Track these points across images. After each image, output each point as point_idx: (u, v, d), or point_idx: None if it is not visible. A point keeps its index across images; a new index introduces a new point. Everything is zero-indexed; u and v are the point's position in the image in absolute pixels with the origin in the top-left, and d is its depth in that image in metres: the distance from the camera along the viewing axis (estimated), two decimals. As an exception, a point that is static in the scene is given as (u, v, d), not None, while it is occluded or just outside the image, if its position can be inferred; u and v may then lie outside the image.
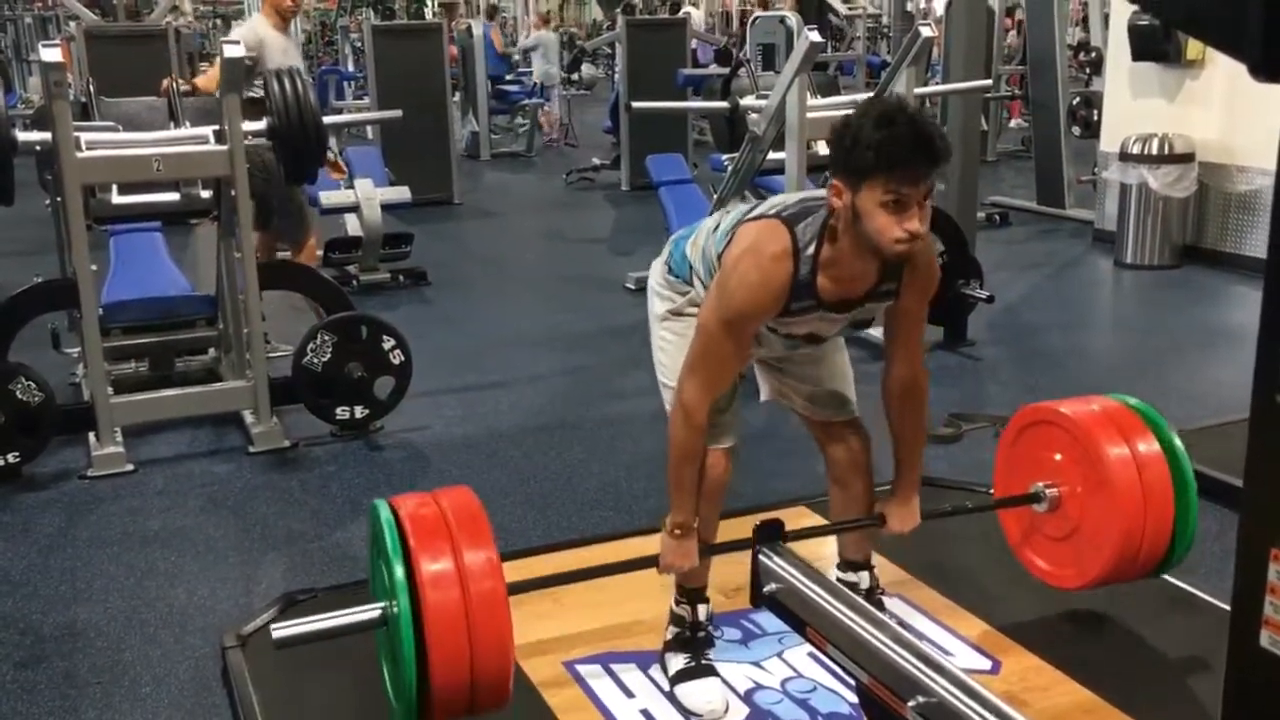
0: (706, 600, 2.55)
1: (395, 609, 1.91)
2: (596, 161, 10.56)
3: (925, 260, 2.21)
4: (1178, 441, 2.40)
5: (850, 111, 2.03)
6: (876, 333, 4.65)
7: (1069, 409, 2.49)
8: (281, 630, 2.01)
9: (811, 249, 2.10)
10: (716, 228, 2.32)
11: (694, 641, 2.53)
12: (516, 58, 15.31)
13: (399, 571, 1.89)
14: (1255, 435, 1.13)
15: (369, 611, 2.01)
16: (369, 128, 9.92)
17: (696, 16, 13.73)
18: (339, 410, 4.16)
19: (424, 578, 1.88)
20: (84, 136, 3.81)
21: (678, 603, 2.56)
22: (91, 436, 4.01)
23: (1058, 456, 2.49)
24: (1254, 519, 1.15)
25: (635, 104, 6.36)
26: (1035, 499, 2.52)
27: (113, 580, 3.21)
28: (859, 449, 2.50)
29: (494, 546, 1.95)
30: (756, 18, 12.59)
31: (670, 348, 2.42)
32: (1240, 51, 1.04)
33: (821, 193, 2.15)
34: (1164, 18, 1.08)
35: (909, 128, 1.93)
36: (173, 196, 4.26)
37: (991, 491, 3.43)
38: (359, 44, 12.74)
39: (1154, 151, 6.55)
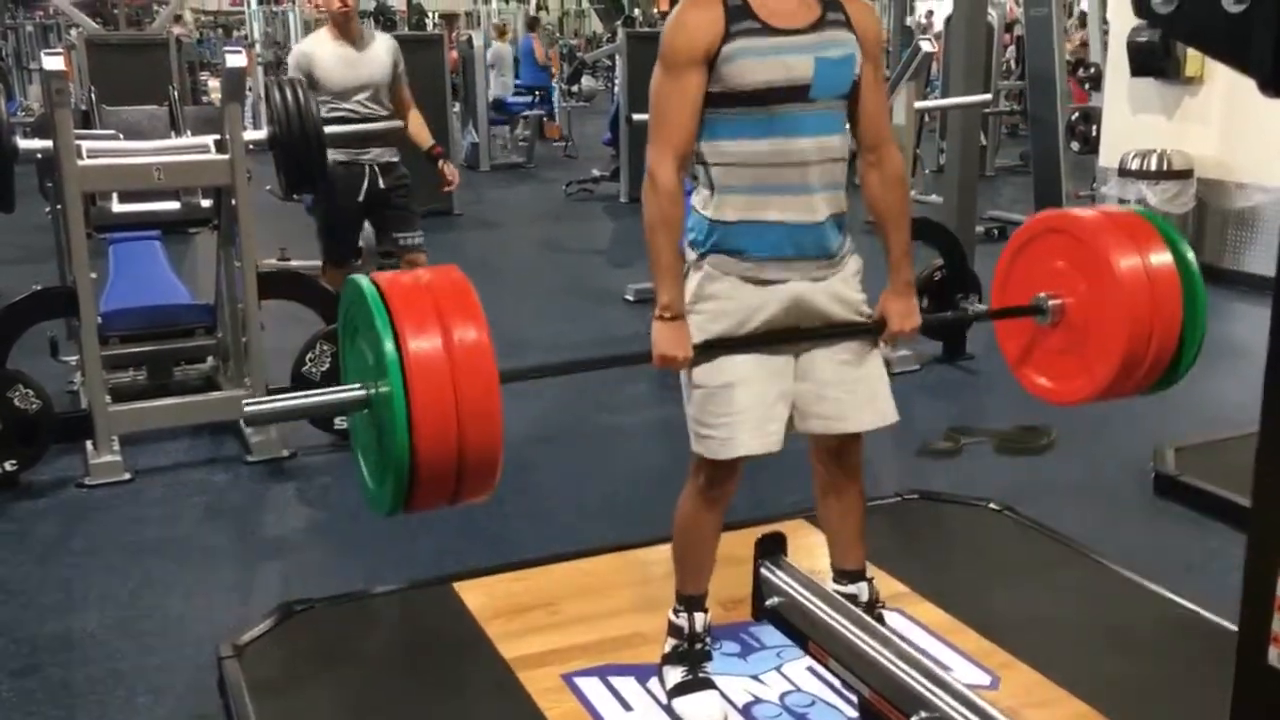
0: (705, 610, 2.53)
1: (383, 388, 1.77)
2: (596, 173, 10.57)
3: (862, 2, 2.26)
4: (1188, 251, 2.28)
5: None
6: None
7: (1076, 213, 2.39)
8: (254, 406, 1.88)
9: None
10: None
11: (692, 654, 2.51)
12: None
13: (389, 347, 1.74)
14: (1263, 454, 1.12)
15: (351, 391, 1.87)
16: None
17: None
18: (338, 419, 4.14)
19: (411, 355, 1.74)
20: (85, 145, 3.82)
21: (676, 612, 2.54)
22: (89, 444, 4.00)
23: (1061, 264, 2.36)
24: (1262, 536, 1.14)
25: (636, 116, 6.36)
26: (1038, 310, 2.37)
27: (109, 589, 3.19)
28: (854, 454, 2.45)
29: (483, 323, 1.82)
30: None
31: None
32: (1249, 68, 1.04)
33: None
34: (1173, 34, 1.09)
35: None
36: (173, 205, 4.27)
37: (992, 505, 3.45)
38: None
39: (1153, 167, 6.57)
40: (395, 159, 4.75)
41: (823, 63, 2.17)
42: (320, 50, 4.62)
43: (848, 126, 2.31)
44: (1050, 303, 2.35)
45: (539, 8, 16.58)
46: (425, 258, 4.81)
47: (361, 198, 4.65)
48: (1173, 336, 2.24)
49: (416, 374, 1.71)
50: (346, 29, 4.60)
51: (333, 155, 4.37)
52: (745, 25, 2.13)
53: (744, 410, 2.25)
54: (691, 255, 2.31)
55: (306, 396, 1.93)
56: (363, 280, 1.84)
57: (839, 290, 2.31)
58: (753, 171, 2.21)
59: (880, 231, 2.37)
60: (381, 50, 4.66)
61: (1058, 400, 2.46)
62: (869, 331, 2.34)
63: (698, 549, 2.46)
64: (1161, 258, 2.24)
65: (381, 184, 4.68)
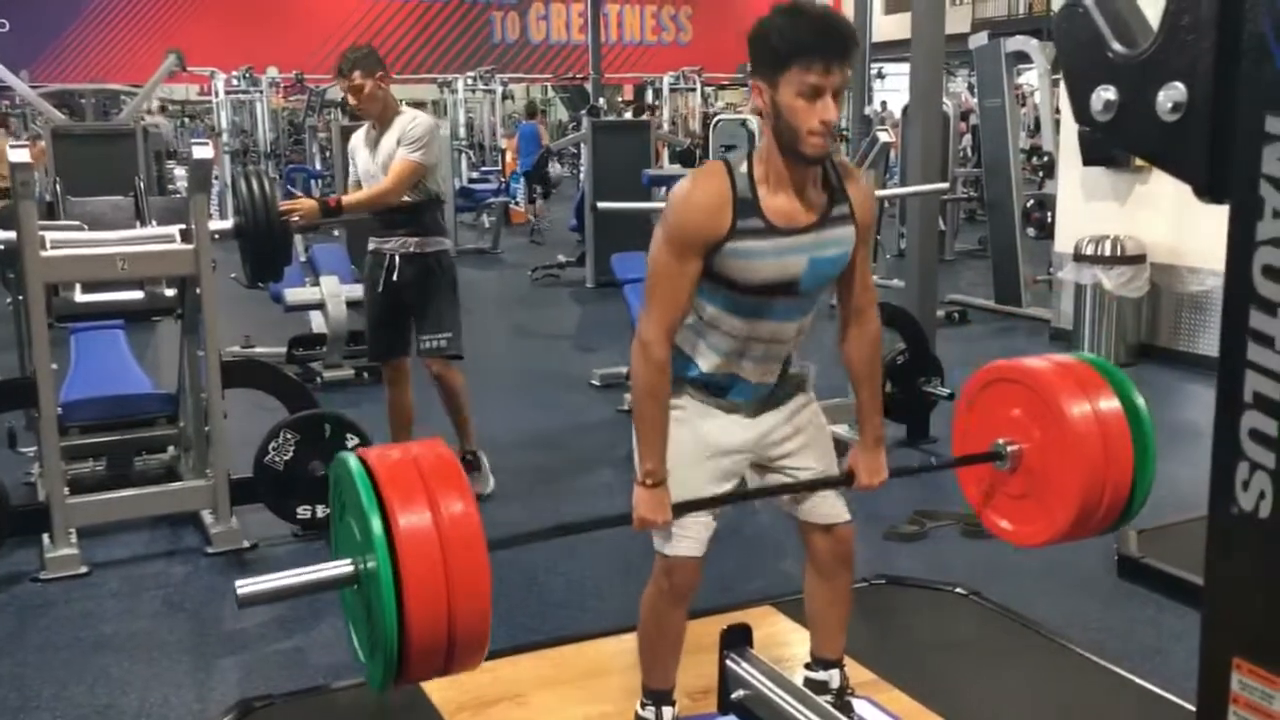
0: (673, 703, 2.52)
1: (371, 564, 1.78)
2: (562, 259, 10.65)
3: (863, 185, 2.31)
4: (1135, 393, 2.36)
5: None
6: (843, 430, 4.69)
7: (1028, 365, 2.46)
8: (246, 588, 1.87)
9: (744, 167, 2.16)
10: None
11: (660, 748, 2.49)
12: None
13: (376, 525, 1.76)
14: (1212, 547, 1.15)
15: (340, 568, 1.88)
16: (334, 225, 9.96)
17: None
18: (300, 509, 4.10)
19: (401, 530, 1.76)
20: (49, 235, 3.81)
21: (643, 705, 2.52)
22: (45, 537, 3.93)
23: (1016, 412, 2.43)
24: (1215, 630, 1.16)
25: (601, 204, 6.46)
26: (996, 456, 2.44)
27: (63, 687, 3.12)
28: (845, 539, 2.48)
29: (471, 497, 1.83)
30: (719, 120, 12.88)
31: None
32: (1185, 175, 1.09)
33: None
34: (1112, 142, 1.14)
35: (816, 15, 2.04)
36: (137, 295, 4.26)
37: (959, 589, 3.46)
38: (327, 143, 12.89)
39: (1107, 253, 6.71)
40: (421, 250, 4.39)
41: (816, 260, 2.23)
42: (355, 139, 4.57)
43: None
44: (1009, 449, 2.43)
45: (504, 97, 16.83)
46: (447, 369, 4.55)
47: (380, 289, 4.42)
48: (1125, 484, 2.34)
49: (405, 554, 1.74)
50: (369, 116, 4.43)
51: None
52: (751, 224, 2.15)
53: (702, 516, 2.34)
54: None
55: (297, 575, 1.91)
56: (350, 457, 1.88)
57: (797, 402, 2.44)
58: (722, 336, 2.29)
59: (854, 386, 2.46)
60: (394, 132, 4.34)
61: (1019, 543, 2.54)
62: (838, 484, 2.44)
63: (664, 646, 2.46)
64: (1110, 405, 2.34)
65: (396, 277, 4.37)
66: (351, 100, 4.47)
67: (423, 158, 4.29)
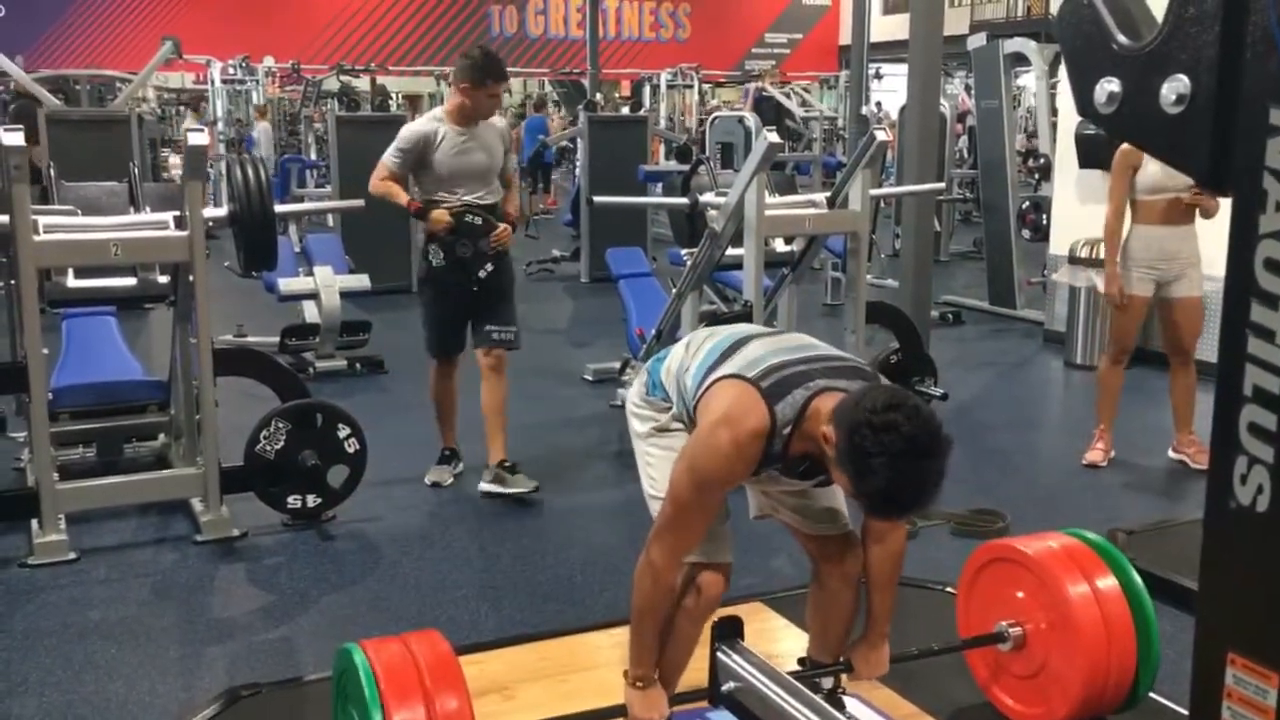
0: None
1: None
2: (557, 253, 10.64)
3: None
4: (1136, 576, 2.43)
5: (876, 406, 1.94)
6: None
7: (1027, 547, 2.52)
8: None
9: (788, 430, 2.10)
10: (687, 364, 2.34)
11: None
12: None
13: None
14: (1209, 541, 1.14)
15: None
16: (329, 215, 9.95)
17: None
18: (291, 499, 4.09)
19: None
20: (42, 220, 3.79)
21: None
22: (34, 523, 3.91)
23: (1020, 594, 2.50)
24: (1210, 624, 1.16)
25: (597, 198, 6.44)
26: (1000, 639, 2.52)
27: (49, 673, 3.10)
28: (851, 562, 2.47)
29: (467, 695, 1.94)
30: (716, 118, 12.87)
31: (658, 463, 2.40)
32: (1188, 167, 1.08)
33: (799, 358, 2.18)
34: (1114, 134, 1.14)
35: (917, 480, 1.94)
36: (130, 281, 4.24)
37: (949, 589, 3.45)
38: (322, 133, 12.85)
39: (1101, 256, 6.70)
40: (506, 248, 4.55)
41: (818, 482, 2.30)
42: (431, 129, 4.43)
43: None
44: (1011, 631, 2.50)
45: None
46: (503, 362, 4.62)
47: (470, 285, 4.48)
48: (1129, 670, 2.40)
49: None
50: (468, 119, 4.42)
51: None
52: (770, 471, 2.21)
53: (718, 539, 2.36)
54: (663, 404, 2.43)
55: None
56: (355, 652, 1.98)
57: None
58: None
59: (867, 589, 2.46)
60: (492, 133, 4.50)
61: None
62: (838, 672, 2.51)
63: (679, 656, 2.45)
64: (1109, 585, 2.39)
65: (486, 274, 4.47)
66: (483, 107, 4.42)
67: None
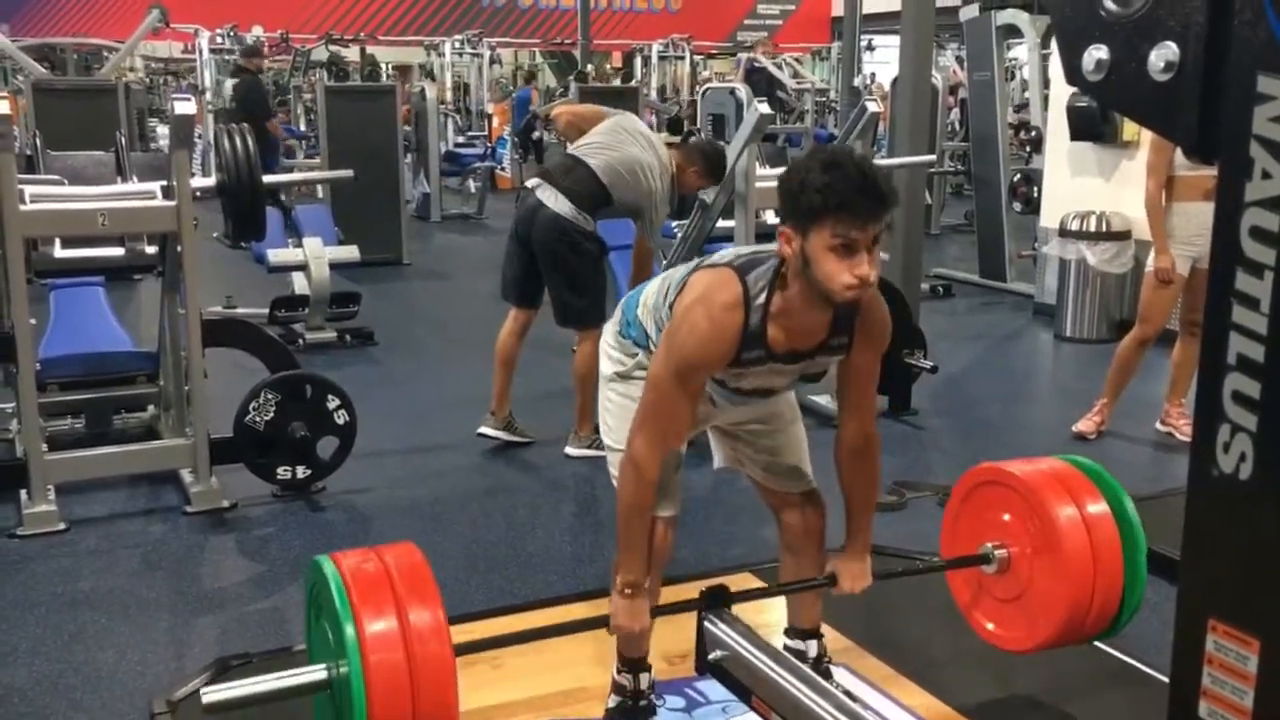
0: (648, 669, 2.53)
1: (343, 671, 1.81)
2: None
3: (878, 315, 2.20)
4: (1128, 503, 2.38)
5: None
6: (823, 400, 4.69)
7: (1018, 469, 2.48)
8: (212, 694, 1.87)
9: (762, 298, 2.10)
10: (666, 285, 2.33)
11: (636, 711, 2.50)
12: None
13: (349, 631, 1.80)
14: (1192, 508, 1.15)
15: (311, 674, 1.90)
16: (319, 186, 9.90)
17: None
18: (280, 470, 4.09)
19: (369, 639, 1.80)
20: (28, 190, 3.77)
21: (619, 671, 2.53)
22: (23, 494, 3.90)
23: (1006, 517, 2.46)
24: (1192, 591, 1.16)
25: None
26: (984, 560, 2.47)
27: (39, 643, 3.11)
28: (814, 517, 2.50)
29: (440, 606, 1.89)
30: (707, 89, 12.81)
31: (616, 409, 2.41)
32: (1175, 134, 1.08)
33: (773, 246, 2.15)
34: (1103, 102, 1.13)
35: (855, 170, 1.95)
36: (117, 251, 4.22)
37: (937, 556, 3.47)
38: (311, 104, 12.77)
39: (1092, 229, 6.72)
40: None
41: (802, 376, 2.31)
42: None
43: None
44: (997, 553, 2.45)
45: (492, 62, 16.68)
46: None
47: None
48: (1115, 596, 2.36)
49: (374, 663, 1.77)
50: None
51: None
52: (753, 354, 2.16)
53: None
54: (633, 349, 2.42)
55: (267, 681, 1.91)
56: (326, 563, 1.90)
57: None
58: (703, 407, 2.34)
59: (846, 498, 2.44)
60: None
61: (1003, 647, 2.56)
62: (821, 586, 2.47)
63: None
64: (1101, 514, 2.35)
65: None
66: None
67: None
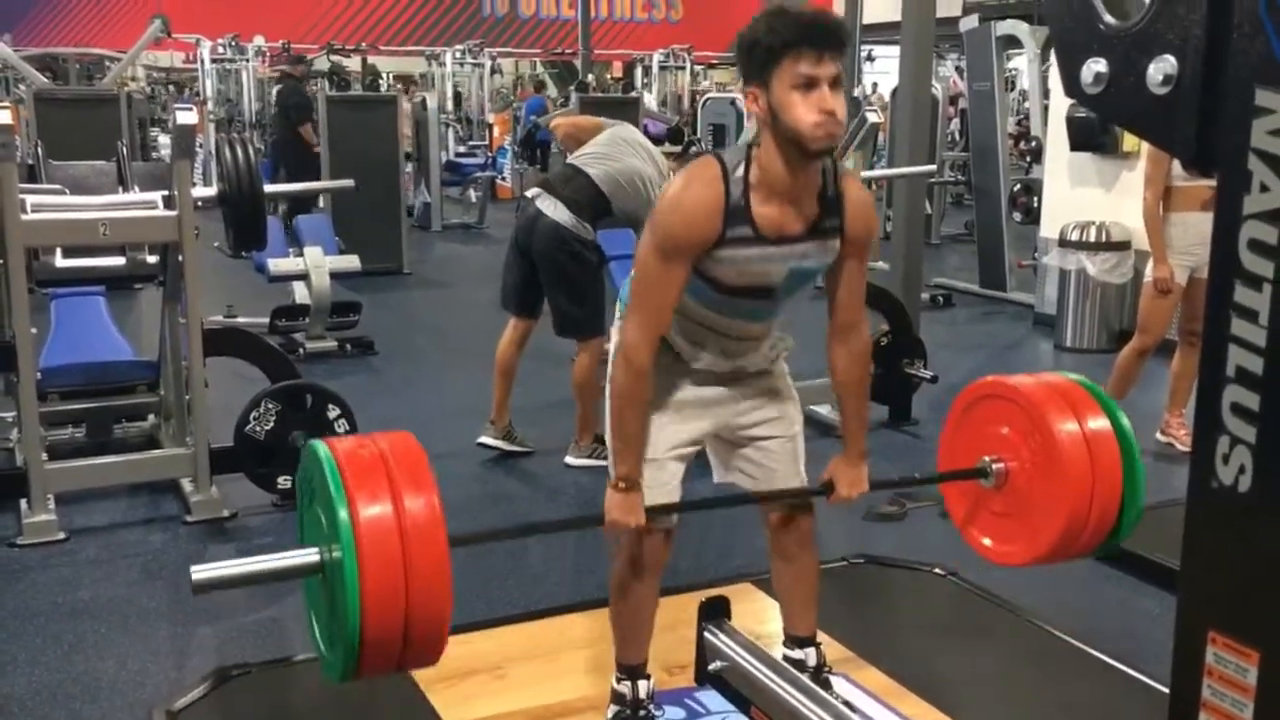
0: (648, 677, 2.52)
1: (335, 555, 1.77)
2: (547, 235, 10.60)
3: (862, 197, 2.25)
4: (1124, 419, 2.36)
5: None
6: (824, 409, 4.70)
7: (1018, 382, 2.44)
8: (202, 573, 1.83)
9: (740, 171, 2.13)
10: None
11: (636, 720, 2.50)
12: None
13: (343, 514, 1.75)
14: (1191, 520, 1.15)
15: (303, 556, 1.85)
16: (320, 196, 9.92)
17: (649, 99, 13.92)
18: (281, 479, 4.09)
19: (362, 524, 1.74)
20: (30, 199, 3.77)
21: (619, 680, 2.53)
22: (23, 503, 3.90)
23: (1005, 431, 2.41)
24: (1191, 602, 1.16)
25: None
26: (982, 474, 2.43)
27: (39, 653, 3.11)
28: (805, 522, 2.50)
29: (435, 491, 1.83)
30: (708, 99, 12.83)
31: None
32: (1173, 147, 1.09)
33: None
34: (1101, 114, 1.14)
35: (801, 9, 2.02)
36: (118, 260, 4.22)
37: (937, 570, 3.47)
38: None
39: (1092, 239, 6.72)
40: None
41: (797, 269, 2.24)
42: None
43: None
44: (994, 466, 2.42)
45: (493, 71, 16.71)
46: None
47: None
48: (1113, 507, 2.32)
49: (368, 548, 1.73)
50: None
51: None
52: (740, 232, 2.14)
53: (662, 481, 2.33)
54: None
55: (260, 562, 1.88)
56: (319, 446, 1.86)
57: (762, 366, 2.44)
58: (695, 326, 2.31)
59: (839, 400, 2.46)
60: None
61: (1000, 562, 2.52)
62: (817, 494, 2.44)
63: (634, 618, 2.47)
64: (1101, 427, 2.32)
65: None
66: None
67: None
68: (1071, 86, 1.18)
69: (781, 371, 2.48)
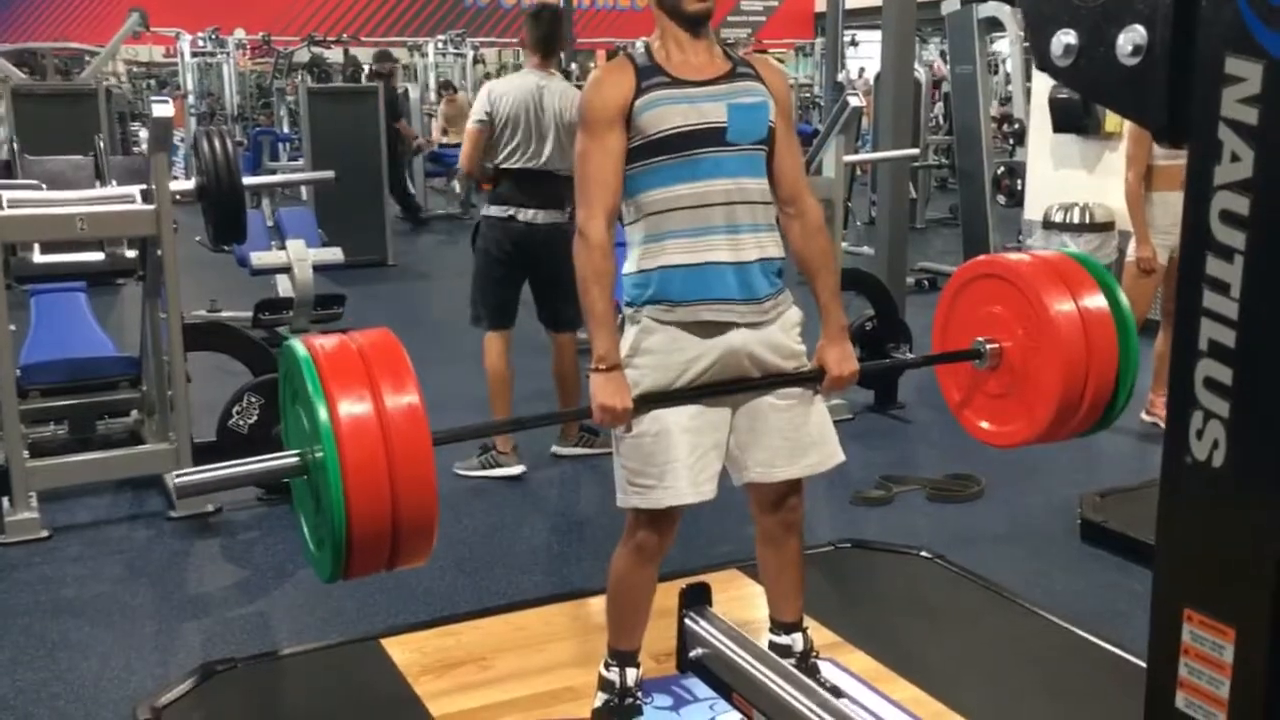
0: (637, 665, 2.52)
1: (318, 455, 1.75)
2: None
3: (772, 65, 2.46)
4: (1121, 294, 2.32)
5: None
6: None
7: (1010, 259, 2.43)
8: (185, 477, 1.84)
9: (641, 48, 2.32)
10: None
11: (622, 709, 2.49)
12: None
13: (323, 414, 1.72)
14: (1165, 497, 1.14)
15: (286, 458, 1.85)
16: (303, 188, 9.87)
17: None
18: (271, 475, 4.06)
19: (344, 423, 1.72)
20: (5, 195, 3.74)
21: (607, 666, 2.52)
22: (5, 501, 3.88)
23: (998, 309, 2.38)
24: (1167, 580, 1.16)
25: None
26: (975, 355, 2.39)
27: (22, 651, 3.09)
28: (791, 505, 2.47)
29: (416, 386, 1.82)
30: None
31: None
32: (1145, 119, 1.07)
33: None
34: (1072, 87, 1.13)
35: None
36: (97, 256, 4.19)
37: (924, 553, 3.47)
38: (295, 106, 12.73)
39: (1075, 220, 6.72)
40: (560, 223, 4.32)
41: (735, 108, 2.26)
42: (499, 88, 4.43)
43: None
44: (988, 347, 2.36)
45: (475, 60, 16.63)
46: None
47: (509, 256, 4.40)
48: (1109, 379, 2.27)
49: (349, 442, 1.71)
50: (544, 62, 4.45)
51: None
52: (656, 80, 2.25)
53: (681, 459, 2.26)
54: (628, 311, 2.35)
55: (242, 465, 1.86)
56: (297, 345, 1.83)
57: (777, 340, 2.33)
58: (678, 215, 2.25)
59: (808, 280, 2.43)
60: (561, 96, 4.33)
61: (998, 443, 2.47)
62: (809, 380, 2.37)
63: (633, 605, 2.46)
64: (1095, 300, 2.27)
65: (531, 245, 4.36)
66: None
67: None
68: (1042, 60, 1.17)
69: (797, 350, 2.39)
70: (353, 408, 1.73)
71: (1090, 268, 2.35)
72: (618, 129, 2.22)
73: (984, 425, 2.46)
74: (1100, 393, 2.27)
